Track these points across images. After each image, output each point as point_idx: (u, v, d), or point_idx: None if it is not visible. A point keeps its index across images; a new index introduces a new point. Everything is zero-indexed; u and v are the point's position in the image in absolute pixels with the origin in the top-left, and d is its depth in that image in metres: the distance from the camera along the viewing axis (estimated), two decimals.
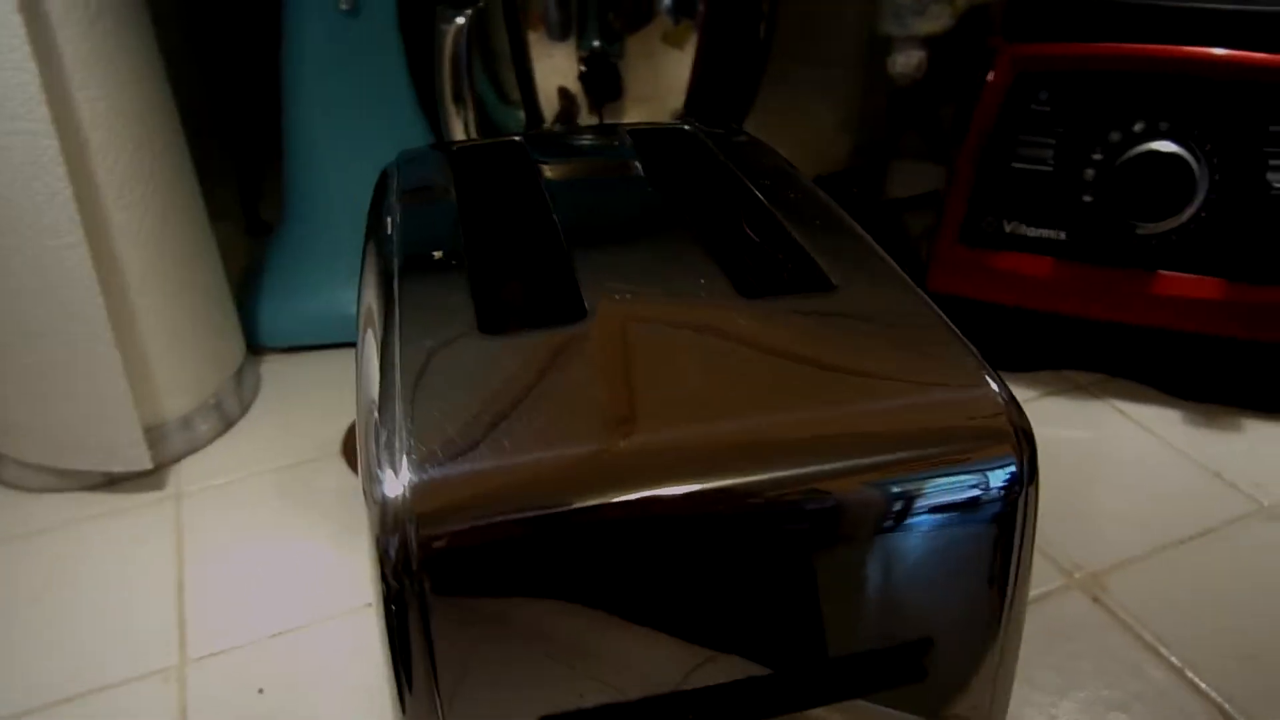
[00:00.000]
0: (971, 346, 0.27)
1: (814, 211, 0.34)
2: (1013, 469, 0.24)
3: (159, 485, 0.56)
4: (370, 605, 0.24)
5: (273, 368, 0.67)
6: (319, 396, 0.63)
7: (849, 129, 0.83)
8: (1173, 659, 0.42)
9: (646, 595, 0.23)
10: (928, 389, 0.25)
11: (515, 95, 0.67)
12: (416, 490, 0.22)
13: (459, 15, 0.59)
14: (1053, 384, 0.62)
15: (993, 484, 0.24)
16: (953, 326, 0.28)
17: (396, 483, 0.22)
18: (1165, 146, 0.53)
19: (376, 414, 0.25)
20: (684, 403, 0.24)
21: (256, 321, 0.67)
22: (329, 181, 0.67)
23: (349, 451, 0.57)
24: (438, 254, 0.31)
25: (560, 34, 0.64)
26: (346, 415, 0.61)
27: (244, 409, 0.62)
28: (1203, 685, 0.41)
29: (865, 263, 0.31)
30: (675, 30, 0.65)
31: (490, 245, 0.39)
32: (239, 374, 0.63)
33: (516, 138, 0.42)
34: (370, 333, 0.29)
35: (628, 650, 0.24)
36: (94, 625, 0.46)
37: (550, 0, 0.63)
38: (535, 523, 0.22)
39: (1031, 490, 0.24)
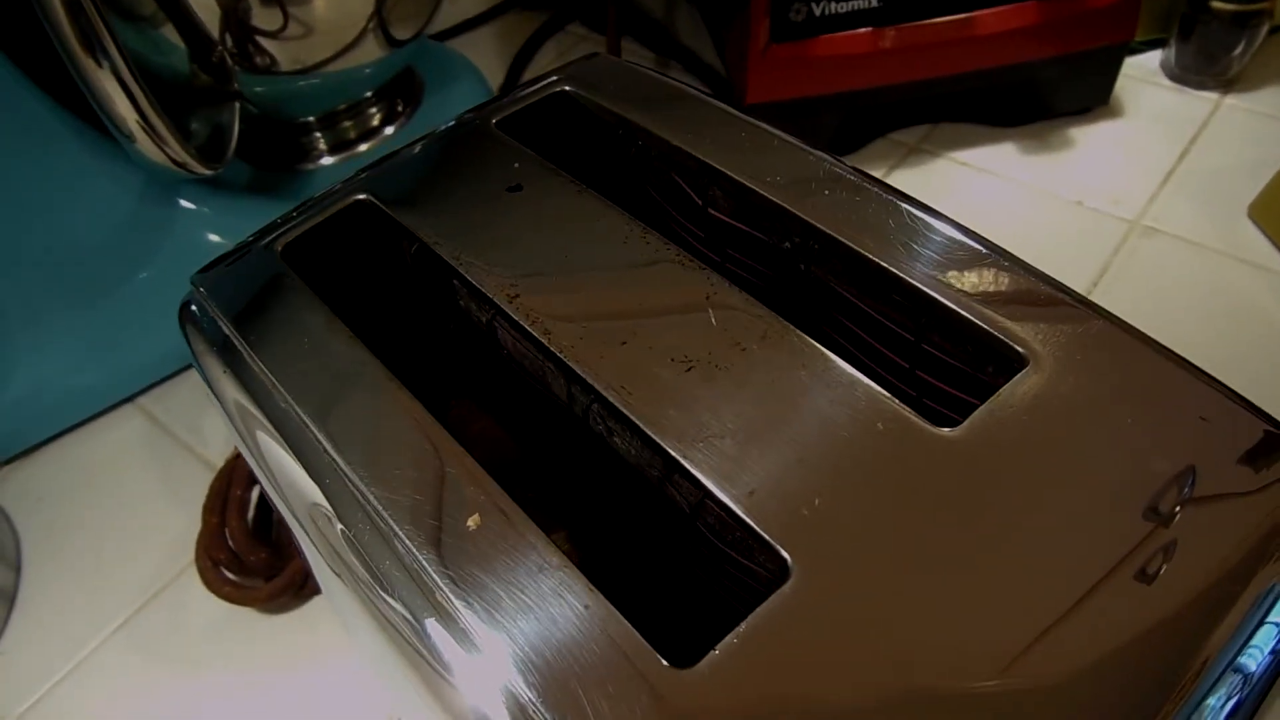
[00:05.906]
0: (1196, 369, 0.23)
1: (855, 193, 0.26)
2: None
3: None
4: None
5: (12, 491, 0.49)
6: (103, 500, 0.48)
7: None
8: None
9: None
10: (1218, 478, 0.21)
11: (156, 16, 0.48)
12: None
13: None
14: (889, 155, 0.59)
15: None
16: (1159, 347, 0.23)
17: None
18: None
19: None
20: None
21: None
22: None
23: (207, 553, 0.44)
24: (473, 521, 0.21)
25: None
26: (155, 516, 0.47)
27: (15, 566, 0.46)
28: None
29: (1001, 275, 0.24)
30: None
31: (528, 470, 0.27)
32: None
33: (360, 196, 0.28)
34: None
35: None
36: None
37: None
38: None
39: None
